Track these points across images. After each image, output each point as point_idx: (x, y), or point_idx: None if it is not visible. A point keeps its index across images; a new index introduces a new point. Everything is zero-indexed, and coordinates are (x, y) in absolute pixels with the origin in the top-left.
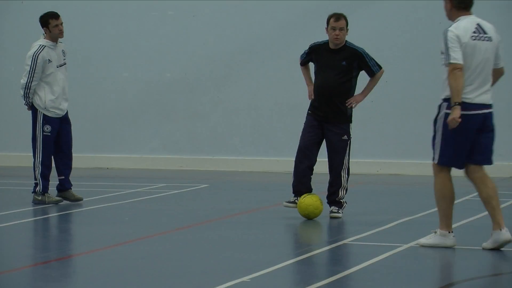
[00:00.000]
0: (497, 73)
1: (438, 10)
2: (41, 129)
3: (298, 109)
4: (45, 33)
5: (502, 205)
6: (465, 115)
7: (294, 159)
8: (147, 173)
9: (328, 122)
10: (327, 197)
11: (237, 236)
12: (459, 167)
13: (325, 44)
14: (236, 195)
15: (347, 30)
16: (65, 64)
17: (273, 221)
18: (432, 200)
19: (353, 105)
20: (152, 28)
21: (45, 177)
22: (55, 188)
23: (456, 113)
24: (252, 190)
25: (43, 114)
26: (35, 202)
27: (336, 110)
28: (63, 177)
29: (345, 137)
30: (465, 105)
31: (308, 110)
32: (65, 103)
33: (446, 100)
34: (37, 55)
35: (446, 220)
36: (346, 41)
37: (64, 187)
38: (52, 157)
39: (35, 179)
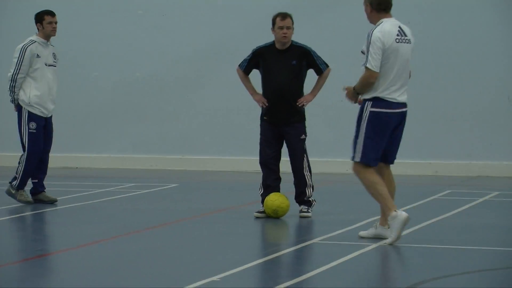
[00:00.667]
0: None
1: (431, 16)
2: (26, 126)
3: None
4: (38, 29)
5: (470, 204)
6: (390, 113)
7: None
8: (117, 173)
9: (285, 124)
10: (296, 198)
11: (207, 236)
12: (375, 165)
13: (271, 46)
14: (205, 195)
15: (293, 28)
16: (55, 66)
17: (242, 221)
18: (401, 198)
19: (305, 105)
20: (122, 28)
21: (26, 173)
22: (29, 191)
23: (351, 94)
24: (222, 189)
25: (28, 111)
26: (7, 193)
27: (292, 111)
28: (37, 181)
29: (303, 136)
30: (389, 104)
31: (263, 116)
32: (51, 104)
33: (369, 100)
34: (25, 48)
35: (389, 202)
36: (292, 40)
37: (37, 190)
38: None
39: (16, 172)
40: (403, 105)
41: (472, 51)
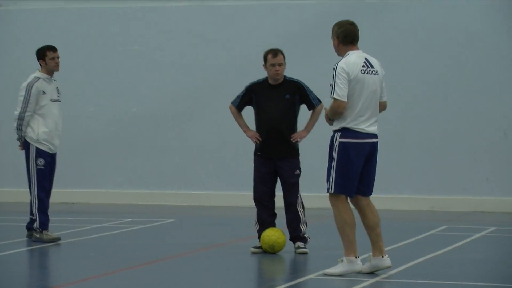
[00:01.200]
0: (381, 106)
1: (435, 45)
2: (34, 163)
3: None
4: (41, 65)
5: (466, 240)
6: (358, 143)
7: None
8: (113, 208)
9: (279, 159)
10: (290, 234)
11: (203, 271)
12: (351, 196)
13: (264, 81)
14: (201, 229)
15: (285, 64)
16: (59, 101)
17: (238, 256)
18: (397, 233)
19: (298, 141)
20: (118, 63)
21: (42, 212)
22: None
23: (326, 118)
24: (218, 224)
25: (36, 148)
26: (34, 240)
27: (286, 145)
28: (35, 217)
29: (297, 171)
30: (358, 134)
31: (256, 151)
32: (57, 140)
33: (338, 131)
34: (31, 85)
35: (351, 246)
36: (284, 75)
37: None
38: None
39: (31, 214)
40: (373, 135)
41: (468, 86)
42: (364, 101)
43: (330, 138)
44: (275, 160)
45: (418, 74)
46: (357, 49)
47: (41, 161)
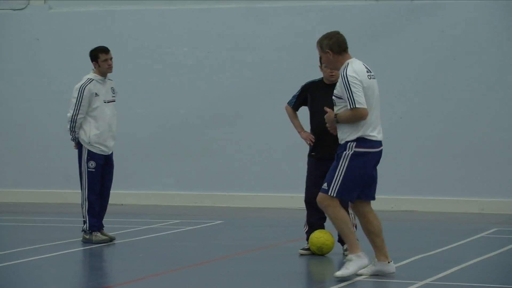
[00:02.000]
0: None
1: (455, 48)
2: (85, 165)
3: None
4: (94, 67)
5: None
6: (373, 153)
7: None
8: (162, 210)
9: (331, 160)
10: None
11: (251, 273)
12: (351, 201)
13: (319, 81)
14: (250, 231)
15: None
16: (114, 101)
17: (286, 258)
18: (447, 236)
19: None
20: (166, 65)
21: (92, 214)
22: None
23: (330, 120)
24: (266, 226)
25: (88, 150)
26: (83, 241)
27: (336, 146)
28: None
29: None
30: (373, 144)
31: (311, 152)
32: (111, 141)
33: (353, 141)
34: (84, 87)
35: (354, 242)
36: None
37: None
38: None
39: (83, 216)
40: (381, 143)
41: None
42: (375, 107)
43: (340, 147)
44: (328, 162)
45: (449, 71)
46: (351, 56)
47: (92, 164)
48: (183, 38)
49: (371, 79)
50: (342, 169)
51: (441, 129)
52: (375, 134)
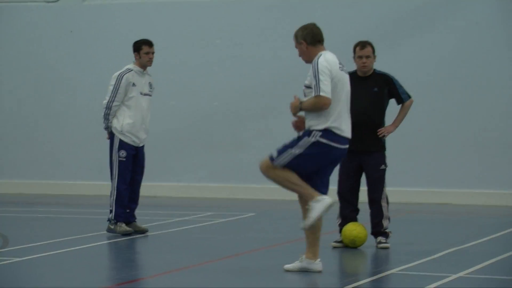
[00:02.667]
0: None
1: (486, 40)
2: (116, 154)
3: None
4: (135, 58)
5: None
6: (335, 148)
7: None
8: (195, 202)
9: (364, 153)
10: (372, 229)
11: (281, 266)
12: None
13: (352, 74)
14: (282, 224)
15: (374, 57)
16: (150, 95)
17: (319, 251)
18: (480, 229)
19: (385, 135)
20: (199, 57)
21: (119, 204)
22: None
23: (295, 108)
24: (299, 219)
25: (119, 139)
26: (108, 231)
27: (373, 138)
28: (128, 211)
29: (383, 166)
30: (338, 138)
31: None
32: (143, 134)
33: (319, 130)
34: (122, 76)
35: (309, 191)
36: (374, 69)
37: (128, 220)
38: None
39: (110, 205)
40: (348, 141)
41: None
42: (343, 101)
43: (305, 132)
44: (361, 155)
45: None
46: (325, 49)
47: (123, 153)
48: (216, 31)
49: (342, 72)
50: (296, 150)
51: (477, 122)
52: (344, 129)
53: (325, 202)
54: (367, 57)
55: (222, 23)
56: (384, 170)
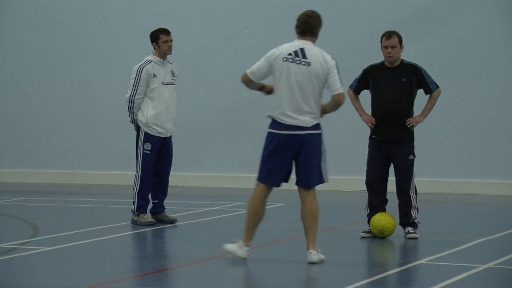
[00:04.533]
0: (332, 100)
1: None
2: (141, 147)
3: None
4: (154, 48)
5: None
6: (276, 134)
7: None
8: (223, 192)
9: (393, 144)
10: (400, 219)
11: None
12: (274, 185)
13: (381, 64)
14: None
15: (401, 47)
16: (174, 84)
17: (347, 241)
18: (510, 219)
19: (414, 126)
20: (228, 47)
21: (142, 196)
22: (149, 211)
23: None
24: (327, 209)
25: (145, 132)
26: (131, 222)
27: (401, 129)
28: (157, 201)
29: (411, 156)
30: (277, 124)
31: (372, 135)
32: (170, 123)
33: (269, 118)
34: (142, 68)
35: (245, 234)
36: (402, 59)
37: (157, 210)
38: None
39: (133, 197)
40: (298, 128)
41: None
42: (286, 91)
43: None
44: (389, 145)
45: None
46: (306, 40)
47: (147, 146)
48: (245, 21)
49: (287, 62)
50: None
51: (505, 112)
52: (284, 118)
53: (239, 252)
54: (393, 47)
55: (250, 12)
56: (413, 160)
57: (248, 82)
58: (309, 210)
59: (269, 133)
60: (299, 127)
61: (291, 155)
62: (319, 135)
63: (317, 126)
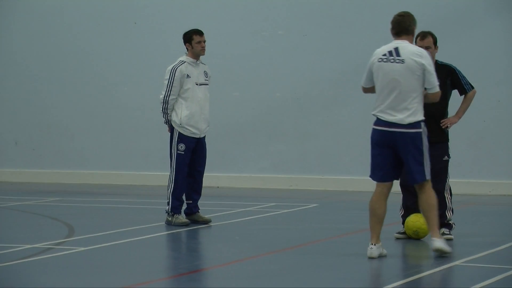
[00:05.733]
0: (429, 97)
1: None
2: (175, 147)
3: None
4: (188, 49)
5: None
6: (377, 130)
7: None
8: (257, 193)
9: (433, 144)
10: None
11: (346, 256)
12: (378, 180)
13: None
14: (344, 215)
15: (436, 48)
16: (207, 84)
17: (382, 242)
18: None
19: (448, 127)
20: (262, 48)
21: (176, 197)
22: (183, 212)
23: None
24: (361, 210)
25: (179, 132)
26: (166, 223)
27: (436, 128)
28: (191, 202)
29: (446, 157)
30: (377, 121)
31: None
32: (203, 124)
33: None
34: (175, 69)
35: (371, 233)
36: (436, 60)
37: (191, 210)
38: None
39: (167, 198)
40: (392, 124)
41: None
42: (383, 89)
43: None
44: (429, 146)
45: None
46: (402, 39)
47: (181, 146)
48: (279, 22)
49: (382, 62)
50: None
51: None
52: (382, 114)
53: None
54: (427, 47)
55: (285, 13)
56: (447, 161)
57: (366, 91)
58: (431, 202)
59: (372, 130)
60: (395, 124)
61: (390, 150)
62: (416, 133)
63: (414, 125)
